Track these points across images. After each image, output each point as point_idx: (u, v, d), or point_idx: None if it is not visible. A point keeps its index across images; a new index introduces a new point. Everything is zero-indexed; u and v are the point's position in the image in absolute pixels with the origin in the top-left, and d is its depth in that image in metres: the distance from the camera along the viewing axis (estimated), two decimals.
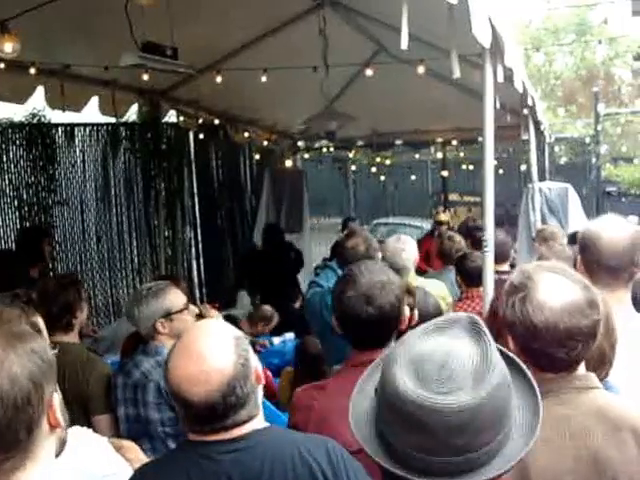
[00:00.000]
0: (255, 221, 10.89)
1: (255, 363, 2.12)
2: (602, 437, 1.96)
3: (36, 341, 1.60)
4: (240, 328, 5.40)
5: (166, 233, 9.21)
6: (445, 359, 1.34)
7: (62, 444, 1.69)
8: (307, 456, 2.03)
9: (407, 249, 4.91)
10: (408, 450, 1.35)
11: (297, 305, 8.02)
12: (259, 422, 2.13)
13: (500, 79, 4.31)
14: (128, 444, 2.59)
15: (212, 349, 2.02)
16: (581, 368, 2.09)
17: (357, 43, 7.86)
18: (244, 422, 2.06)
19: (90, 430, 2.41)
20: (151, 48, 5.22)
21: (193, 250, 10.18)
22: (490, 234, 4.69)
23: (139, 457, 2.52)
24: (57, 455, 1.67)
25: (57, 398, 1.62)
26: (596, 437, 1.97)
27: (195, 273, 10.23)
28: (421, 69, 7.16)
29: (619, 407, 2.06)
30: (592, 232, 3.02)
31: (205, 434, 2.05)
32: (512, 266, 7.13)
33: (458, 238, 6.36)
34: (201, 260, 10.36)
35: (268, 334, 7.19)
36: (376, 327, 2.65)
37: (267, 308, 7.29)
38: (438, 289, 4.86)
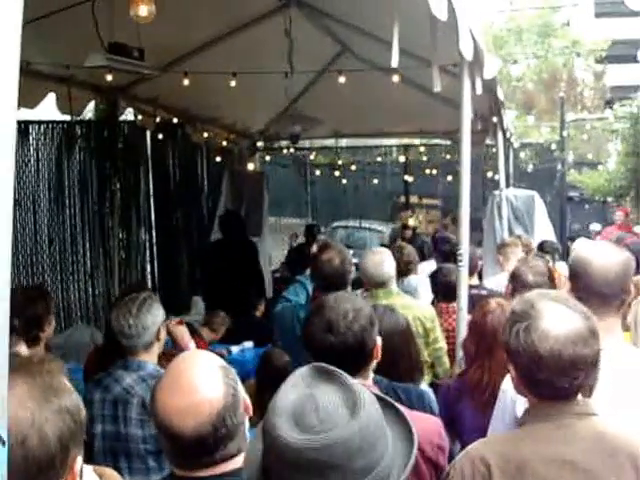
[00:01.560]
0: (212, 224, 10.57)
1: (243, 394, 2.05)
2: (601, 463, 1.99)
3: (72, 398, 1.56)
4: (199, 335, 5.21)
5: (120, 235, 8.94)
6: (315, 404, 1.42)
7: None
8: None
9: (387, 260, 4.78)
10: None
11: (258, 313, 7.81)
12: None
13: (479, 91, 4.26)
14: (110, 472, 2.47)
15: (201, 380, 1.96)
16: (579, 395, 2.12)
17: (321, 44, 7.76)
18: (233, 456, 1.98)
19: None
20: (118, 49, 5.14)
21: (147, 253, 9.86)
22: (465, 248, 4.58)
23: None
24: None
25: (80, 462, 1.57)
26: (595, 463, 1.99)
27: (149, 277, 9.92)
28: (395, 78, 7.01)
29: (616, 433, 2.08)
30: (583, 258, 2.92)
31: (192, 470, 1.97)
32: (479, 275, 7.09)
33: (407, 250, 6.24)
34: (155, 264, 10.05)
35: (225, 343, 6.97)
36: (339, 357, 2.44)
37: (197, 300, 7.06)
38: (422, 309, 4.74)
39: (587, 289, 2.82)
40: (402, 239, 9.54)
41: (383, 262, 4.71)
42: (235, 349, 6.82)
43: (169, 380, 2.01)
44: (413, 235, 10.89)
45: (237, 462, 1.99)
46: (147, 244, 9.85)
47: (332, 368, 1.50)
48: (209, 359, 2.09)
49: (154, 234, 9.98)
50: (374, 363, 2.61)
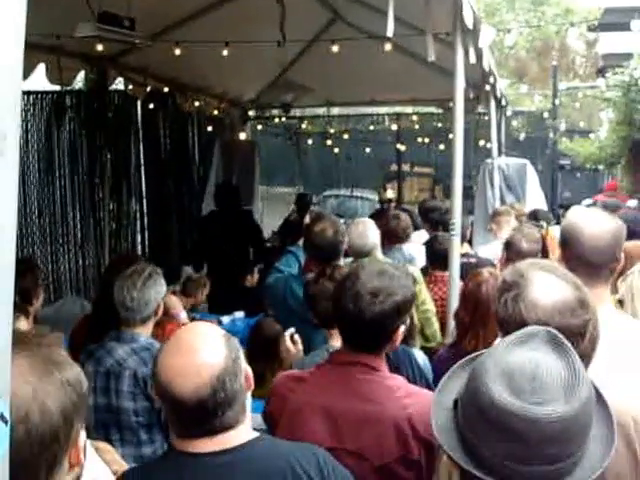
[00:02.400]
0: (204, 194, 10.52)
1: (245, 365, 2.07)
2: None
3: (73, 371, 1.55)
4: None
5: (111, 206, 8.88)
6: (535, 371, 1.39)
7: None
8: (299, 470, 2.00)
9: (370, 231, 4.82)
10: (498, 459, 1.38)
11: (248, 283, 7.78)
12: (248, 431, 2.07)
13: (472, 60, 4.22)
14: (103, 445, 2.48)
15: (202, 344, 1.99)
16: None
17: (313, 11, 7.65)
18: (231, 426, 2.00)
19: None
20: (108, 19, 5.08)
21: (138, 223, 9.79)
22: (457, 218, 4.58)
23: (115, 458, 2.41)
24: None
25: (83, 436, 1.58)
26: None
27: (139, 247, 9.86)
28: (388, 47, 6.92)
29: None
30: (574, 226, 2.89)
31: (192, 439, 1.98)
32: (470, 242, 7.09)
33: (404, 216, 6.25)
34: (146, 234, 9.98)
35: (216, 313, 6.97)
36: (355, 329, 2.55)
37: (187, 271, 7.01)
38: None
39: (578, 257, 2.81)
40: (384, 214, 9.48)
41: (366, 231, 4.75)
42: (226, 319, 6.81)
43: (171, 345, 2.03)
44: (395, 207, 10.80)
45: (236, 436, 2.01)
46: (138, 214, 9.77)
47: (567, 343, 1.47)
48: (212, 328, 2.14)
49: (145, 204, 9.90)
50: (388, 346, 2.60)
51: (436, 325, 4.82)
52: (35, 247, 8.51)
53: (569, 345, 1.47)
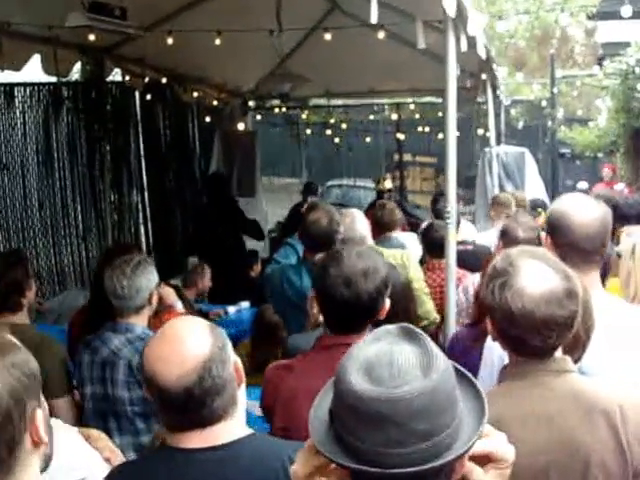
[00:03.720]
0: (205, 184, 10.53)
1: (234, 356, 2.08)
2: (576, 419, 2.01)
3: (17, 354, 1.58)
4: (184, 296, 5.27)
5: (112, 198, 8.86)
6: (391, 359, 1.40)
7: (47, 460, 1.68)
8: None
9: (358, 222, 4.84)
10: (376, 448, 1.37)
11: (253, 273, 7.83)
12: (241, 428, 2.08)
13: (464, 48, 4.22)
14: (96, 433, 2.56)
15: (187, 333, 2.01)
16: (558, 351, 2.13)
17: (310, 1, 7.60)
18: (221, 417, 2.00)
19: (59, 421, 2.38)
20: (98, 8, 5.09)
21: (140, 215, 9.80)
22: (452, 205, 4.59)
23: (107, 445, 2.49)
24: (42, 471, 1.66)
25: (40, 414, 1.60)
26: (570, 419, 2.02)
27: (143, 239, 9.87)
28: (381, 34, 6.90)
29: (592, 390, 2.09)
30: (562, 213, 2.93)
31: (183, 432, 1.99)
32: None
33: (390, 205, 6.33)
34: (149, 225, 10.00)
35: (222, 304, 7.01)
36: (351, 312, 2.62)
37: (193, 262, 7.04)
38: (396, 255, 4.86)
39: (568, 245, 2.85)
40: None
41: (355, 223, 4.76)
42: (232, 309, 6.96)
43: (158, 335, 2.07)
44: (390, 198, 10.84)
45: (228, 433, 2.01)
46: (139, 205, 9.78)
47: (418, 331, 1.49)
48: (199, 319, 2.16)
49: (146, 195, 9.91)
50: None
51: (429, 305, 4.83)
52: (37, 239, 8.48)
53: (423, 334, 1.48)
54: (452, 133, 4.32)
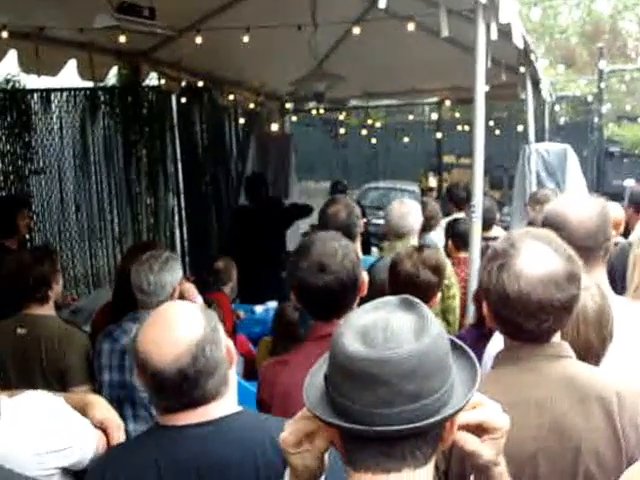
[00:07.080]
0: (240, 188, 10.49)
1: (227, 340, 2.10)
2: (568, 405, 1.98)
3: None
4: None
5: (148, 201, 8.98)
6: (387, 324, 1.43)
7: None
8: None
9: (413, 212, 4.83)
10: (366, 409, 1.40)
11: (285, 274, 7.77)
12: (231, 406, 2.11)
13: (494, 36, 4.09)
14: (93, 399, 2.59)
15: (180, 315, 2.05)
16: (556, 337, 2.08)
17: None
18: (213, 397, 2.03)
19: (45, 392, 2.44)
20: (126, 9, 5.11)
21: (176, 218, 9.86)
22: (478, 199, 4.49)
23: (103, 413, 2.50)
24: None
25: None
26: (562, 405, 1.98)
27: (178, 242, 9.92)
28: (411, 26, 6.77)
29: (588, 376, 2.05)
30: (559, 214, 2.93)
31: (175, 412, 2.02)
32: (506, 229, 7.02)
33: (431, 205, 6.40)
34: (184, 228, 10.03)
35: (249, 303, 7.07)
36: (334, 295, 2.59)
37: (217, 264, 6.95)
38: None
39: (570, 244, 2.79)
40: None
41: (408, 214, 4.73)
42: (259, 309, 7.00)
43: (150, 320, 2.08)
44: (437, 197, 10.78)
45: (217, 409, 2.04)
46: (175, 209, 9.84)
47: (418, 301, 1.51)
48: (189, 303, 2.25)
49: (182, 199, 9.94)
50: (358, 299, 2.65)
51: (457, 314, 4.71)
52: (73, 242, 8.65)
53: (422, 304, 1.49)
54: (480, 128, 4.24)
